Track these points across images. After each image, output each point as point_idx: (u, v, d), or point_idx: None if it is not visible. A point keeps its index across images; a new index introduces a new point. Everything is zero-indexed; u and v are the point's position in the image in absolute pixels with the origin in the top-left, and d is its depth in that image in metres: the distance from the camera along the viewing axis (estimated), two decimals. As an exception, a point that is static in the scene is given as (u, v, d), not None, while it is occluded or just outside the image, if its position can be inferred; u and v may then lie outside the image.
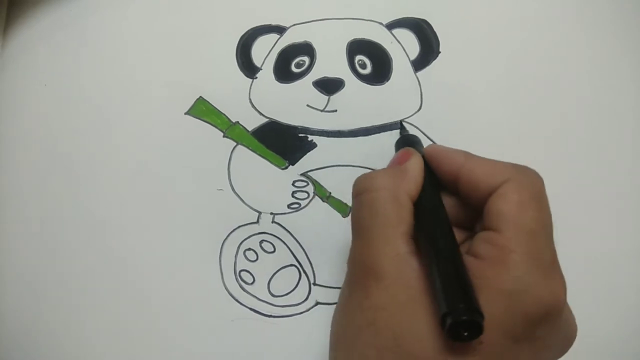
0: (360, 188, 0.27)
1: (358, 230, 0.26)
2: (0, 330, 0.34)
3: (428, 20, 0.40)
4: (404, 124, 0.37)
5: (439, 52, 0.39)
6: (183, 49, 0.40)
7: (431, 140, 0.37)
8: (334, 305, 0.33)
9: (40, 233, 0.36)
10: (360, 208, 0.26)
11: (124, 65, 0.40)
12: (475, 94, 0.38)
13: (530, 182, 0.26)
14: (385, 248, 0.25)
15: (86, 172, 0.37)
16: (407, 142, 0.32)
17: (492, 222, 0.25)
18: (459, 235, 0.26)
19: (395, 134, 0.37)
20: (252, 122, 0.38)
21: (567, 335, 0.26)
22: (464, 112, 0.38)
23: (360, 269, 0.25)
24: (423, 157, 0.29)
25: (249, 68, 0.39)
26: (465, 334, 0.21)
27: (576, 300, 0.34)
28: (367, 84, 0.38)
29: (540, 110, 0.38)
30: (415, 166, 0.28)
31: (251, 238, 0.35)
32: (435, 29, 0.40)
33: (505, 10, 0.40)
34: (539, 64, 0.39)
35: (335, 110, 0.37)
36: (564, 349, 0.26)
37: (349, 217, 0.35)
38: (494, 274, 0.23)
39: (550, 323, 0.23)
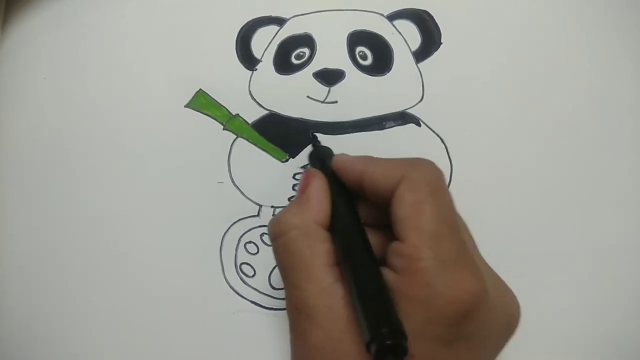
0: (273, 233, 0.27)
1: (282, 275, 0.26)
2: (0, 327, 0.34)
3: (429, 12, 0.40)
4: (316, 134, 0.36)
5: (441, 44, 0.39)
6: (183, 41, 0.39)
7: (433, 131, 0.37)
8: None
9: (40, 227, 0.36)
10: (278, 253, 0.27)
11: (124, 57, 0.39)
12: (476, 86, 0.38)
13: (423, 177, 0.25)
14: (309, 286, 0.25)
15: (86, 165, 0.37)
16: (318, 154, 0.32)
17: (397, 230, 0.24)
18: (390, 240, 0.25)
19: (397, 127, 0.37)
20: (252, 114, 0.37)
21: (505, 319, 0.25)
22: (466, 104, 0.38)
23: (294, 313, 0.25)
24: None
25: (248, 60, 0.39)
26: (391, 357, 0.21)
27: (578, 296, 0.34)
28: (368, 75, 0.38)
29: (541, 102, 0.38)
30: (317, 191, 0.27)
31: (252, 231, 0.35)
32: (436, 20, 0.39)
33: (506, 2, 0.40)
34: (540, 55, 0.39)
35: (336, 102, 0.37)
36: (509, 332, 0.26)
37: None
38: (408, 285, 0.23)
39: (476, 317, 0.23)
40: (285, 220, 0.26)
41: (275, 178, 0.36)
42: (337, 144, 0.36)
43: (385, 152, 0.36)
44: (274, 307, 0.34)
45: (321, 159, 0.31)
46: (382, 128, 0.37)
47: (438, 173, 0.26)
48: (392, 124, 0.37)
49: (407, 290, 0.23)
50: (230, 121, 0.37)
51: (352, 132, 0.37)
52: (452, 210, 0.25)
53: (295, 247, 0.26)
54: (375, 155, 0.35)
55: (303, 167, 0.36)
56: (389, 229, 0.26)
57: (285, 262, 0.26)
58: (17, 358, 0.33)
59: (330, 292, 0.24)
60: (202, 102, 0.38)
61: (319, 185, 0.28)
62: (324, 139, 0.36)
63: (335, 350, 0.23)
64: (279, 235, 0.26)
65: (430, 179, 0.25)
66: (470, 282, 0.23)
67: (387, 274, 0.24)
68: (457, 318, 0.23)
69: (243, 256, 0.35)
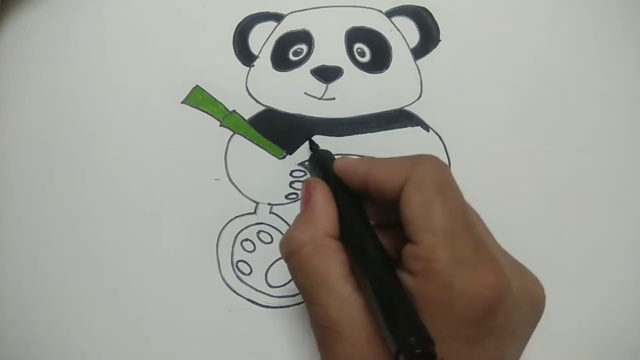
0: (285, 252, 0.26)
1: (302, 293, 0.26)
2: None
3: (428, 8, 0.40)
4: (312, 139, 0.36)
5: (439, 41, 0.39)
6: (179, 37, 0.39)
7: (432, 129, 0.36)
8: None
9: (37, 223, 0.36)
10: (294, 272, 0.26)
11: (120, 53, 0.39)
12: (475, 83, 0.38)
13: (428, 175, 0.24)
14: (329, 301, 0.24)
15: (82, 161, 0.37)
16: (318, 159, 0.31)
17: (409, 232, 0.24)
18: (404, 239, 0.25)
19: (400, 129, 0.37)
20: (249, 110, 0.37)
21: (530, 306, 0.25)
22: (464, 101, 0.37)
23: (319, 330, 0.25)
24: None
25: (246, 56, 0.38)
26: None
27: (575, 294, 0.34)
28: (366, 72, 0.38)
29: (540, 99, 0.38)
30: (321, 201, 0.27)
31: (248, 228, 0.35)
32: (435, 17, 0.39)
33: (505, -2, 0.40)
34: (539, 52, 0.39)
35: (334, 99, 0.37)
36: (536, 317, 0.25)
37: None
38: (427, 288, 0.22)
39: (501, 311, 0.22)
40: (294, 238, 0.26)
41: (272, 175, 0.36)
42: (333, 140, 0.36)
43: (384, 151, 0.36)
44: (270, 304, 0.33)
45: (322, 163, 0.30)
46: (380, 125, 0.37)
47: (443, 168, 0.25)
48: (390, 122, 0.37)
49: (428, 294, 0.22)
50: (227, 117, 0.37)
51: (349, 129, 0.37)
52: (462, 205, 0.24)
53: (310, 264, 0.25)
54: (375, 154, 0.36)
55: (300, 164, 0.36)
56: (401, 227, 0.25)
57: (303, 280, 0.25)
58: (15, 357, 0.33)
59: (351, 303, 0.24)
60: (198, 99, 0.38)
61: (322, 195, 0.27)
62: (323, 139, 0.36)
63: None
64: (291, 255, 0.26)
65: (435, 175, 0.24)
66: (490, 276, 0.22)
67: (406, 278, 0.23)
68: (482, 315, 0.22)
69: (239, 254, 0.34)
